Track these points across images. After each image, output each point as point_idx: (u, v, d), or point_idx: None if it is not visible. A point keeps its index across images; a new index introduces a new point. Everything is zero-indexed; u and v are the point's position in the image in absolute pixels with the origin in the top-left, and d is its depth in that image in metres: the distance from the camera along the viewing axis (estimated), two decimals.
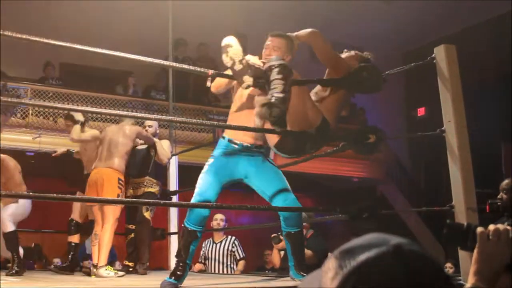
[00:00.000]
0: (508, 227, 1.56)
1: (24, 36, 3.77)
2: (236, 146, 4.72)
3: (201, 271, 8.67)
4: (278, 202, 4.66)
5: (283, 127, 4.25)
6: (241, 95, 4.76)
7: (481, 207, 5.72)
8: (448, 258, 9.47)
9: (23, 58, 12.08)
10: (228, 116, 4.91)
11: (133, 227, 7.74)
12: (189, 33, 12.43)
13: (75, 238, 7.62)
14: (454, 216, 4.36)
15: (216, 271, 8.51)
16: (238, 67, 4.16)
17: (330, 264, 1.07)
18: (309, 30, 4.40)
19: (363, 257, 1.02)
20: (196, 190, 4.64)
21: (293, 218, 4.72)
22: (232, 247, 8.65)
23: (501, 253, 1.54)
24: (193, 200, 4.62)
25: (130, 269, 7.64)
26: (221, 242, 8.70)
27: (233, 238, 8.78)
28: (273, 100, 4.00)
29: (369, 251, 1.03)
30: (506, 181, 5.70)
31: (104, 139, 7.28)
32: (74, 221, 7.58)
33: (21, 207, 7.17)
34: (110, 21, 12.67)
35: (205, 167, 4.71)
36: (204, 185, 4.62)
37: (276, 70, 4.11)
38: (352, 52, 4.64)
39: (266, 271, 9.37)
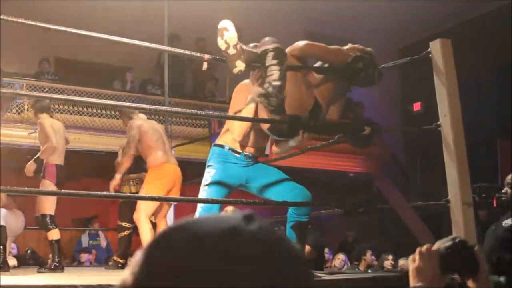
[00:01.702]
0: (430, 246, 1.85)
1: (20, 20, 3.77)
2: (238, 156, 4.66)
3: None
4: (288, 188, 4.66)
5: (282, 114, 4.25)
6: (247, 112, 4.70)
7: (489, 201, 5.75)
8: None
9: (18, 53, 12.06)
10: (232, 125, 4.79)
11: (127, 224, 7.71)
12: (184, 29, 12.42)
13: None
14: (449, 211, 4.36)
15: None
16: (232, 51, 4.13)
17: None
18: (299, 45, 4.40)
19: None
20: (201, 205, 4.61)
21: (304, 207, 4.72)
22: None
23: (428, 267, 1.82)
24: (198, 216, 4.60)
25: (120, 265, 7.63)
26: None
27: None
28: (270, 89, 4.01)
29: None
30: (510, 175, 5.70)
31: (157, 132, 7.24)
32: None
33: (13, 217, 7.14)
34: (105, 15, 12.63)
35: (207, 180, 4.61)
36: (210, 195, 4.57)
37: (271, 54, 4.10)
38: (356, 45, 4.61)
39: None
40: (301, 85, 4.36)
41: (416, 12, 13.93)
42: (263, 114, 4.44)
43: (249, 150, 4.69)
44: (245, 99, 4.61)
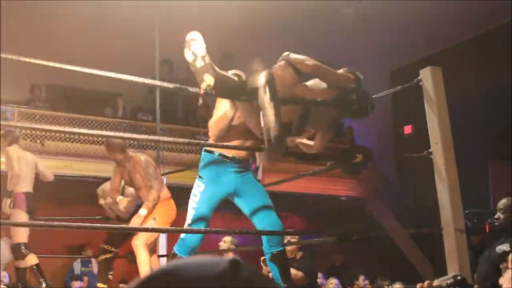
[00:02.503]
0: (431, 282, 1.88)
1: (16, 57, 3.79)
2: (228, 161, 4.65)
3: None
4: (260, 218, 4.65)
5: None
6: (224, 117, 4.66)
7: (481, 227, 5.77)
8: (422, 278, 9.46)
9: (9, 80, 12.04)
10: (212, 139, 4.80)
11: (110, 248, 7.66)
12: (176, 53, 12.41)
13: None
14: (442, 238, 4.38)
15: None
16: (199, 63, 3.96)
17: None
18: (308, 63, 4.33)
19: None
20: (189, 219, 4.60)
21: (275, 237, 4.70)
22: None
23: None
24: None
25: None
26: None
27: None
28: (270, 141, 3.90)
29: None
30: (503, 201, 5.73)
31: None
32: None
33: (4, 245, 7.08)
34: (95, 41, 12.63)
35: (196, 194, 4.62)
36: (198, 214, 4.58)
37: (264, 91, 3.88)
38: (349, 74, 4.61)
39: None
40: (292, 92, 4.32)
41: (406, 36, 13.98)
42: (247, 116, 4.44)
43: (239, 153, 4.67)
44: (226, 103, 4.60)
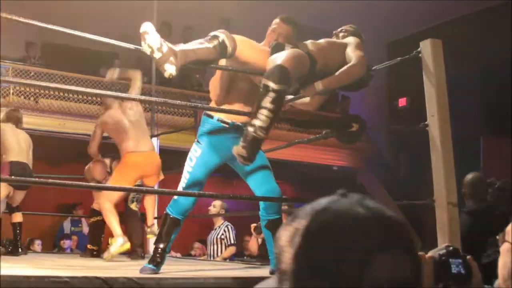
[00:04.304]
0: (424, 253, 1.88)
1: (13, 17, 3.76)
2: (227, 126, 4.62)
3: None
4: (258, 185, 4.68)
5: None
6: (220, 75, 4.67)
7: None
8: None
9: (4, 36, 11.95)
10: (213, 103, 4.81)
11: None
12: (174, 16, 12.33)
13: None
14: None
15: (211, 257, 8.61)
16: (157, 55, 3.92)
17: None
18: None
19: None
20: (184, 182, 4.61)
21: (274, 205, 4.70)
22: (223, 233, 8.69)
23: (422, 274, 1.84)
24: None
25: (94, 253, 7.57)
26: (215, 228, 8.79)
27: (226, 223, 8.82)
28: (248, 138, 3.80)
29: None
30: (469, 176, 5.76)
31: (122, 123, 7.04)
32: None
33: None
34: (93, 4, 12.53)
35: (192, 159, 4.61)
36: (192, 178, 4.58)
37: (271, 96, 3.76)
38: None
39: (245, 258, 9.35)
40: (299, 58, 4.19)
41: (404, 7, 13.91)
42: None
43: (238, 118, 4.59)
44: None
